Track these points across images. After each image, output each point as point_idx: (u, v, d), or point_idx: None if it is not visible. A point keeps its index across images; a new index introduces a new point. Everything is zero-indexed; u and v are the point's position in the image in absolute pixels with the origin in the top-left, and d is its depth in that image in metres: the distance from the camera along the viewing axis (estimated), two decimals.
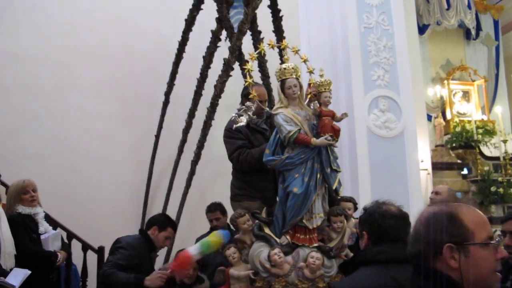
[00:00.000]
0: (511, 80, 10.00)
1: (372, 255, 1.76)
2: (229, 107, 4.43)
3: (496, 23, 10.01)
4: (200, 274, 3.27)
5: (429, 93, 9.10)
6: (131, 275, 2.92)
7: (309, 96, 3.06)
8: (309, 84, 3.08)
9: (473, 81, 9.50)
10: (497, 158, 8.54)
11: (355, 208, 3.14)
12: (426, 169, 7.31)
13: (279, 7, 4.79)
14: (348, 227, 2.93)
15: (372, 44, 4.79)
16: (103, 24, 6.34)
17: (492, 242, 1.25)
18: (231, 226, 3.36)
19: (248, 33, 4.64)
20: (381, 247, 1.77)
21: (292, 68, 2.91)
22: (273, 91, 4.43)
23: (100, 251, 4.58)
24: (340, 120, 2.98)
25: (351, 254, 2.87)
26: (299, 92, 2.93)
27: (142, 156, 6.11)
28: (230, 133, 3.28)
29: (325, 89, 2.95)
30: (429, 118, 8.63)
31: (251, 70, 2.99)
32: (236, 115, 3.03)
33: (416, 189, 4.64)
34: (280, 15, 4.77)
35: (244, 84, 3.13)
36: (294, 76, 2.90)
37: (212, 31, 4.82)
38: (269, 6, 4.79)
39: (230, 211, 3.28)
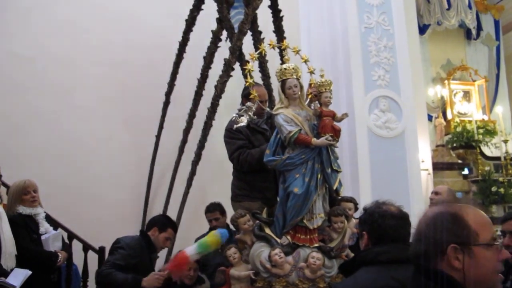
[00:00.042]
0: (511, 80, 10.00)
1: (373, 255, 1.76)
2: (230, 107, 4.43)
3: (496, 23, 10.00)
4: (201, 275, 3.27)
5: (430, 93, 9.10)
6: (128, 275, 2.92)
7: (309, 96, 3.06)
8: (310, 85, 3.07)
9: (474, 81, 9.49)
10: (498, 158, 8.54)
11: (356, 208, 3.14)
12: (427, 169, 7.30)
13: (279, 7, 4.79)
14: (349, 227, 2.93)
15: (372, 44, 4.80)
16: (104, 24, 6.35)
17: (496, 243, 1.25)
18: (231, 226, 3.36)
19: (249, 33, 4.64)
20: (381, 248, 1.77)
21: (293, 68, 2.91)
22: (274, 91, 4.43)
23: (101, 251, 4.57)
24: (341, 120, 2.98)
25: (352, 255, 2.87)
26: (299, 93, 2.93)
27: (142, 156, 6.12)
28: (231, 133, 3.28)
29: (325, 89, 2.94)
30: (430, 118, 8.62)
31: (252, 71, 2.98)
32: (237, 115, 3.04)
33: (416, 189, 4.64)
34: (281, 15, 4.77)
35: (244, 85, 3.13)
36: (295, 77, 2.90)
37: (212, 31, 4.83)
38: (270, 6, 4.79)
39: (230, 212, 3.28)
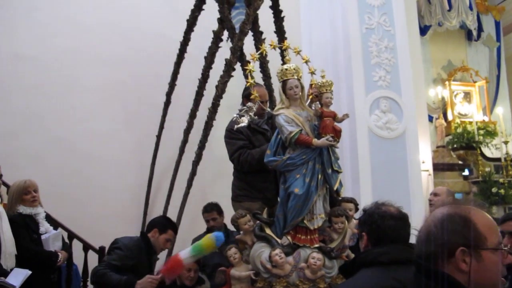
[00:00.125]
0: None
1: (373, 256, 1.76)
2: (230, 107, 4.43)
3: (497, 24, 10.00)
4: (201, 275, 3.27)
5: (431, 94, 9.10)
6: (123, 277, 2.91)
7: (310, 97, 3.06)
8: (311, 85, 3.08)
9: (475, 82, 9.49)
10: (498, 159, 8.55)
11: (356, 209, 3.14)
12: (427, 170, 7.29)
13: (280, 7, 4.79)
14: (349, 228, 2.93)
15: (373, 45, 4.79)
16: (105, 24, 6.35)
17: (503, 248, 1.25)
18: (228, 226, 3.36)
19: (250, 33, 4.64)
20: (381, 249, 1.77)
21: (294, 69, 2.91)
22: (275, 91, 4.43)
23: (101, 251, 4.57)
24: (342, 121, 2.99)
25: (352, 255, 2.87)
26: (300, 93, 2.93)
27: (143, 156, 6.11)
28: (231, 134, 3.28)
29: (326, 90, 2.95)
30: (430, 119, 8.62)
31: (253, 71, 2.99)
32: (237, 115, 3.04)
33: (417, 190, 4.64)
34: (282, 15, 4.76)
35: (245, 85, 3.13)
36: (296, 77, 2.90)
37: (213, 31, 4.83)
38: (271, 7, 4.79)
39: (231, 212, 3.28)
